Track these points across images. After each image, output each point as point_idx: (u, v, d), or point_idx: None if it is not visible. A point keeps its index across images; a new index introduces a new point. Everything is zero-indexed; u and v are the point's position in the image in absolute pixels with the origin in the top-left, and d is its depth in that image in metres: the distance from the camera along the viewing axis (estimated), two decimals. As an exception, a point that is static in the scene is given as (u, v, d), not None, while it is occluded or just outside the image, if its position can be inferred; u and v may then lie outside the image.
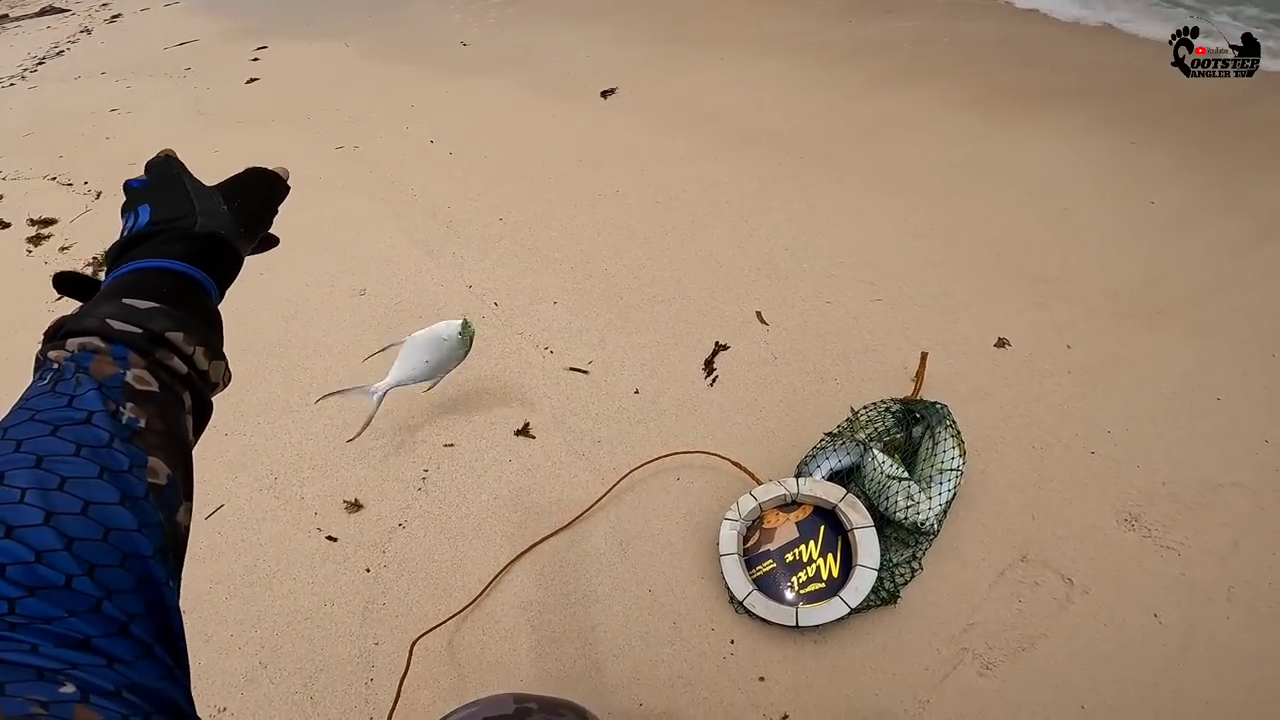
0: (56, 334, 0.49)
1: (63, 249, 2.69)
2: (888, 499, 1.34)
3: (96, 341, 0.48)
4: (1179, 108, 2.60)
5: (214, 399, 0.58)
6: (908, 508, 1.32)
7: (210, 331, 0.55)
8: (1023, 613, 1.28)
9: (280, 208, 0.69)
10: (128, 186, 0.63)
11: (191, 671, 0.43)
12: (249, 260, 0.67)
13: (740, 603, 1.29)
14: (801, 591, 1.30)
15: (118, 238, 0.60)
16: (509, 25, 4.14)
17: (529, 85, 3.34)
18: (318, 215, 2.59)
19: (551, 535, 1.48)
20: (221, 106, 3.65)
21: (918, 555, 1.33)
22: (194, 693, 0.42)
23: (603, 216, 2.35)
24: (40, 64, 4.85)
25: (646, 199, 2.40)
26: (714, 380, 1.73)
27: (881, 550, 1.31)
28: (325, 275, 2.25)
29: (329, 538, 1.53)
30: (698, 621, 1.33)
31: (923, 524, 1.31)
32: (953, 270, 1.95)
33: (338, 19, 4.69)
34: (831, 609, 1.24)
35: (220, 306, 0.60)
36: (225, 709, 1.30)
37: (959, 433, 1.39)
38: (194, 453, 0.53)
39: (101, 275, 0.57)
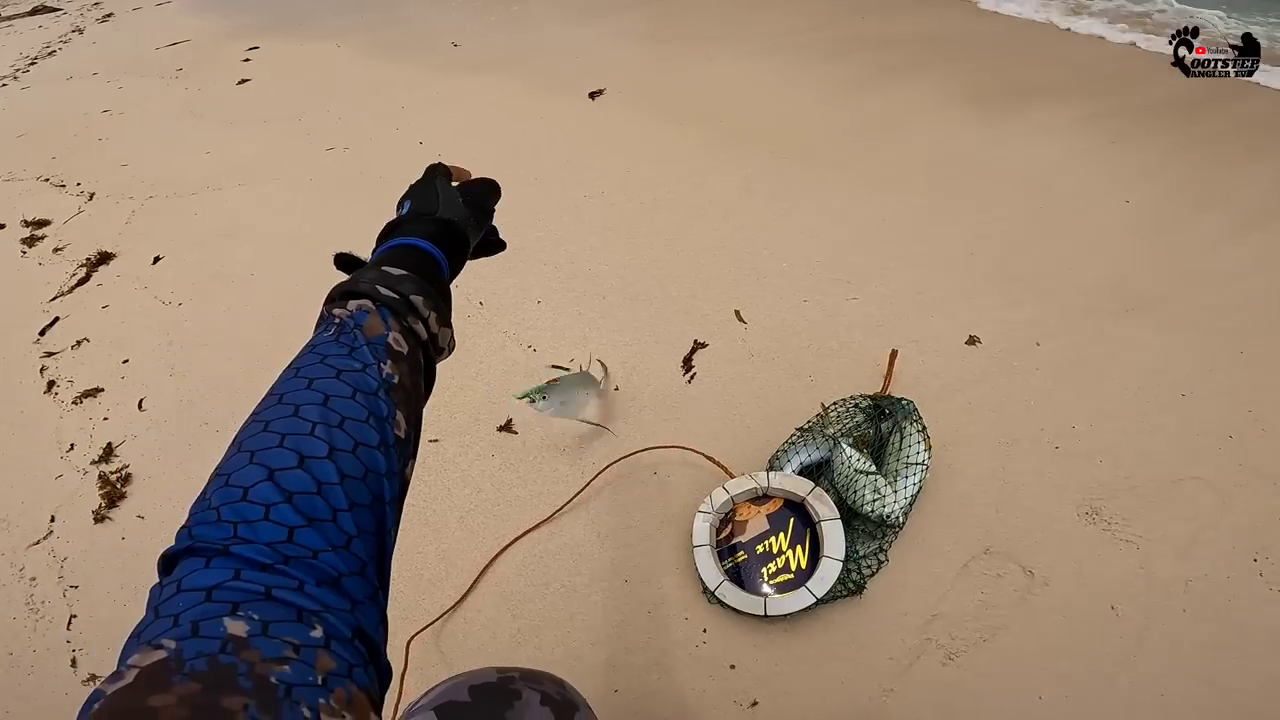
0: (337, 297, 0.58)
1: (56, 250, 2.72)
2: (855, 492, 1.38)
3: (369, 304, 0.56)
4: (1161, 106, 2.63)
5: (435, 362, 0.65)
6: (874, 501, 1.36)
7: (442, 300, 0.62)
8: (985, 604, 1.32)
9: (496, 207, 0.83)
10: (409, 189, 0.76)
11: None
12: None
13: (712, 593, 1.33)
14: (771, 582, 1.34)
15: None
16: (501, 26, 4.16)
17: (519, 86, 3.37)
18: (308, 216, 2.62)
19: (533, 529, 1.52)
20: (213, 107, 3.67)
21: (884, 547, 1.37)
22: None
23: (588, 217, 2.39)
24: (32, 64, 4.86)
25: (631, 199, 2.43)
26: (692, 377, 1.77)
27: (848, 542, 1.35)
28: (315, 276, 2.28)
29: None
30: (672, 611, 1.37)
31: (889, 517, 1.35)
32: (929, 269, 1.99)
33: (330, 19, 4.70)
34: (798, 599, 1.28)
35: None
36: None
37: (925, 428, 1.43)
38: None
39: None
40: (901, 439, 1.44)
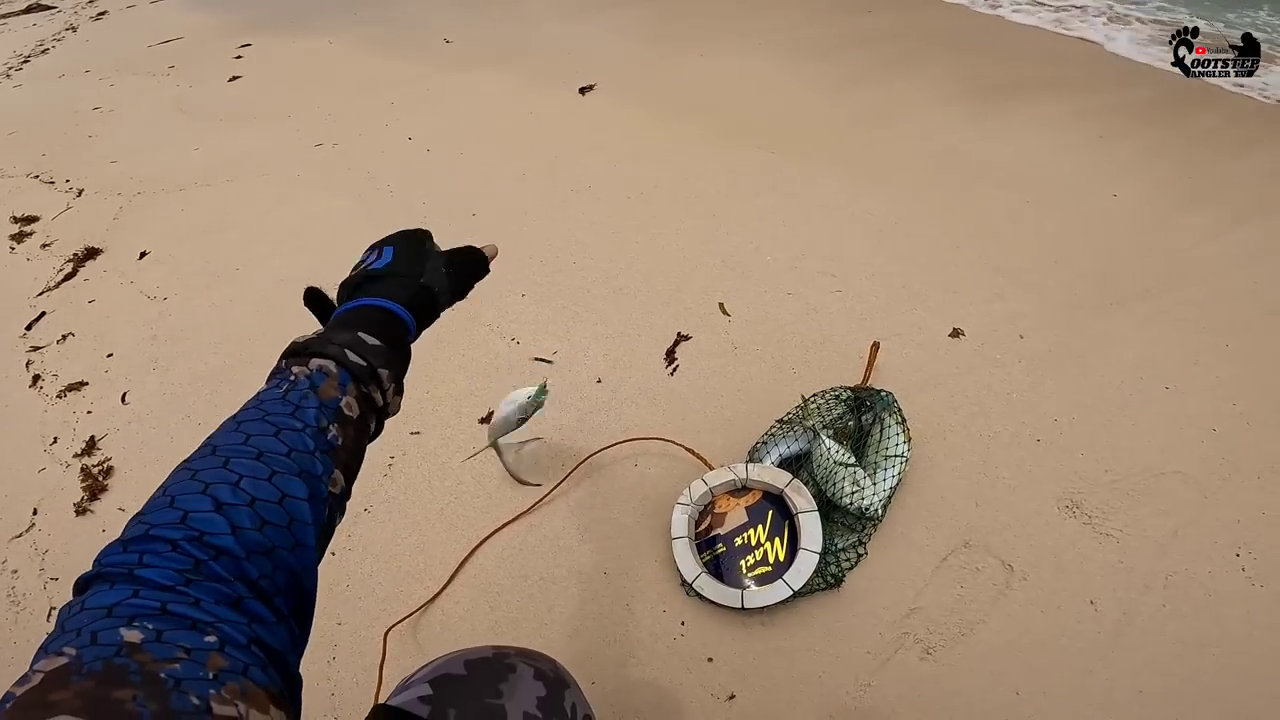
0: (298, 351, 0.60)
1: (44, 246, 2.71)
2: (835, 485, 1.38)
3: (331, 367, 0.58)
4: (1149, 103, 2.64)
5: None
6: (853, 493, 1.36)
7: (404, 370, 0.65)
8: (963, 598, 1.31)
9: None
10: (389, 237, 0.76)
11: None
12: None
13: (690, 585, 1.33)
14: (750, 574, 1.33)
15: (359, 266, 0.73)
16: (495, 23, 4.16)
17: (509, 82, 3.36)
18: (295, 211, 2.62)
19: (512, 521, 1.51)
20: (203, 104, 3.67)
21: (863, 540, 1.37)
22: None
23: (574, 211, 2.38)
24: (25, 62, 4.85)
25: (618, 194, 2.43)
26: (675, 370, 1.77)
27: (826, 535, 1.34)
28: (300, 270, 2.28)
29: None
30: (650, 603, 1.36)
31: (868, 509, 1.35)
32: (914, 262, 1.99)
33: (324, 16, 4.70)
34: (775, 591, 1.28)
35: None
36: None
37: (905, 420, 1.43)
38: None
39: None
40: (881, 431, 1.43)
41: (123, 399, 1.96)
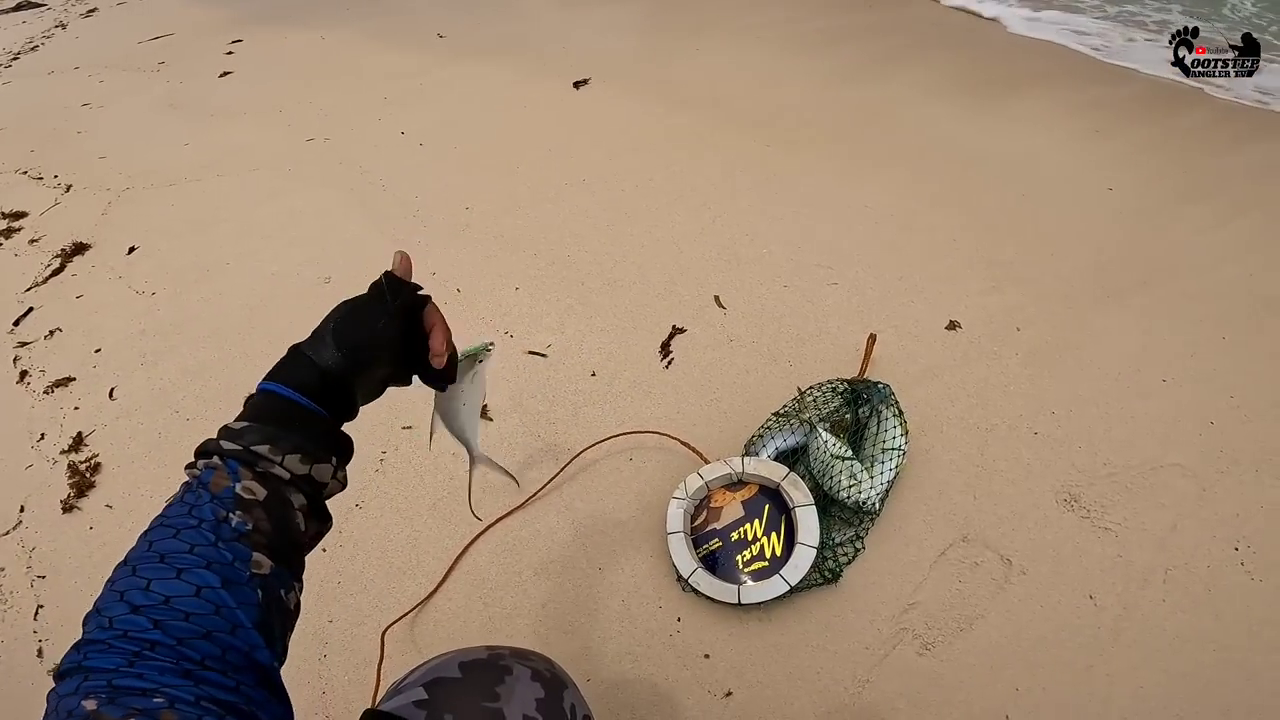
0: (196, 454, 0.63)
1: (32, 241, 2.69)
2: (831, 478, 1.36)
3: (215, 460, 0.61)
4: (1145, 97, 2.63)
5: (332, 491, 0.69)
6: (850, 487, 1.34)
7: (305, 439, 0.64)
8: (962, 593, 1.30)
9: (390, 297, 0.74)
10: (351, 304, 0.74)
11: None
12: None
13: (686, 580, 1.31)
14: (747, 569, 1.32)
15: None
16: (490, 17, 4.13)
17: (503, 76, 3.34)
18: (286, 206, 2.60)
19: (506, 516, 1.49)
20: (193, 100, 3.64)
21: (860, 534, 1.35)
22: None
23: (569, 204, 2.36)
24: (15, 59, 4.82)
25: (613, 187, 2.41)
26: (670, 363, 1.75)
27: (824, 529, 1.33)
28: (291, 264, 2.26)
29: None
30: (646, 599, 1.35)
31: (865, 503, 1.33)
32: (910, 255, 1.97)
33: (318, 10, 4.67)
34: (772, 586, 1.26)
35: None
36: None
37: (902, 412, 1.42)
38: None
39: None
40: (879, 424, 1.42)
41: (110, 394, 1.93)
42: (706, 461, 1.48)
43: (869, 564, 1.34)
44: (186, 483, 0.61)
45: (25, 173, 3.20)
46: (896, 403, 1.43)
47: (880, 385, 1.46)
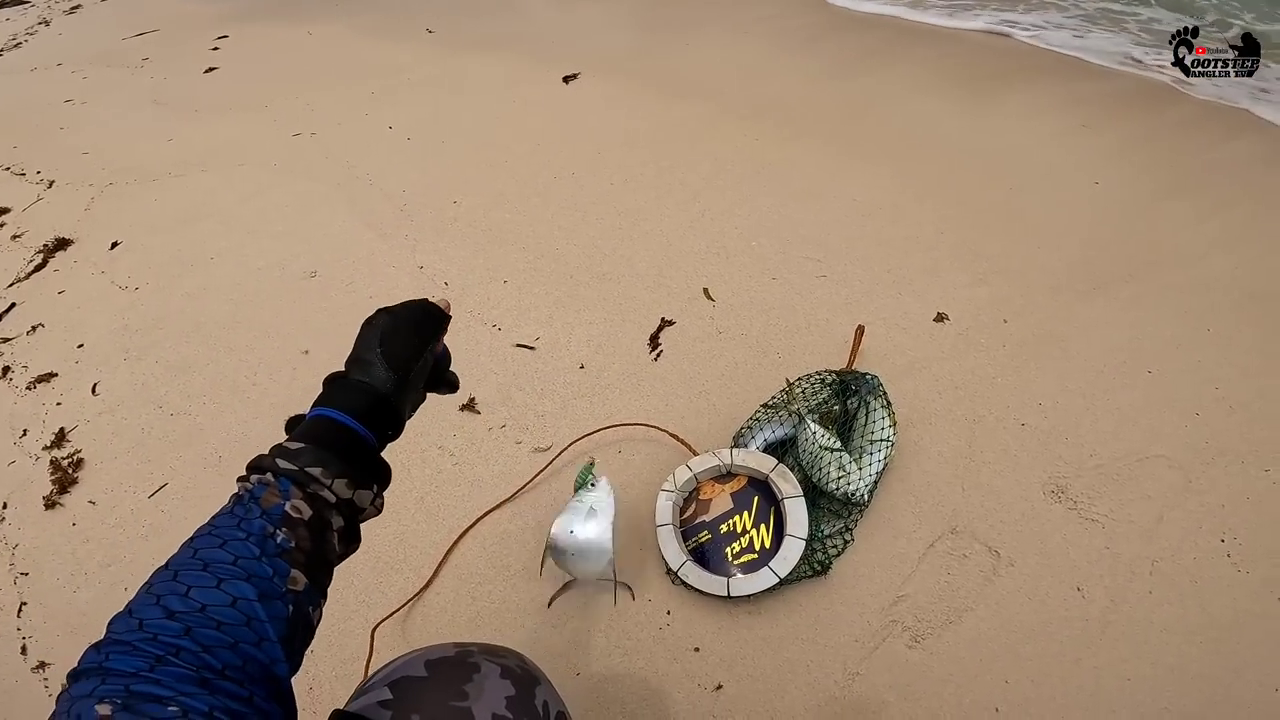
0: (249, 467, 0.65)
1: (14, 237, 2.66)
2: (820, 470, 1.36)
3: (269, 477, 0.63)
4: (1132, 92, 2.64)
5: (362, 506, 0.70)
6: (839, 478, 1.34)
7: (350, 465, 0.67)
8: (951, 585, 1.30)
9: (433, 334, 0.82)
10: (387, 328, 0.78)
11: None
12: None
13: (675, 573, 1.31)
14: (736, 562, 1.31)
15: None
16: (475, 11, 4.11)
17: (492, 71, 3.33)
18: (271, 200, 2.58)
19: (493, 509, 1.49)
20: (178, 96, 3.60)
21: (849, 526, 1.35)
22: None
23: (557, 198, 2.36)
24: (-2, 55, 4.78)
25: (601, 181, 2.41)
26: (659, 355, 1.75)
27: (813, 521, 1.32)
28: (276, 259, 2.24)
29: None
30: (635, 592, 1.34)
31: (854, 494, 1.33)
32: (899, 248, 1.98)
33: (304, 7, 4.64)
34: (761, 579, 1.26)
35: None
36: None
37: (890, 403, 1.42)
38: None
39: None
40: (867, 416, 1.42)
41: (93, 390, 1.91)
42: (695, 453, 1.47)
43: (858, 556, 1.34)
44: (236, 494, 0.63)
45: (8, 169, 3.18)
46: (885, 394, 1.43)
47: (869, 376, 1.45)
